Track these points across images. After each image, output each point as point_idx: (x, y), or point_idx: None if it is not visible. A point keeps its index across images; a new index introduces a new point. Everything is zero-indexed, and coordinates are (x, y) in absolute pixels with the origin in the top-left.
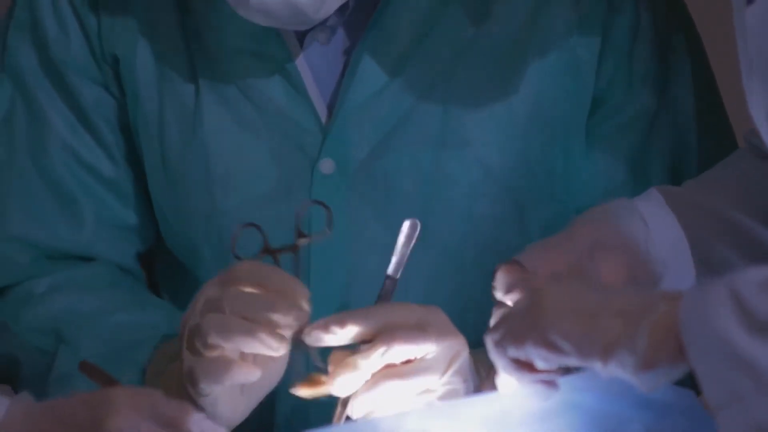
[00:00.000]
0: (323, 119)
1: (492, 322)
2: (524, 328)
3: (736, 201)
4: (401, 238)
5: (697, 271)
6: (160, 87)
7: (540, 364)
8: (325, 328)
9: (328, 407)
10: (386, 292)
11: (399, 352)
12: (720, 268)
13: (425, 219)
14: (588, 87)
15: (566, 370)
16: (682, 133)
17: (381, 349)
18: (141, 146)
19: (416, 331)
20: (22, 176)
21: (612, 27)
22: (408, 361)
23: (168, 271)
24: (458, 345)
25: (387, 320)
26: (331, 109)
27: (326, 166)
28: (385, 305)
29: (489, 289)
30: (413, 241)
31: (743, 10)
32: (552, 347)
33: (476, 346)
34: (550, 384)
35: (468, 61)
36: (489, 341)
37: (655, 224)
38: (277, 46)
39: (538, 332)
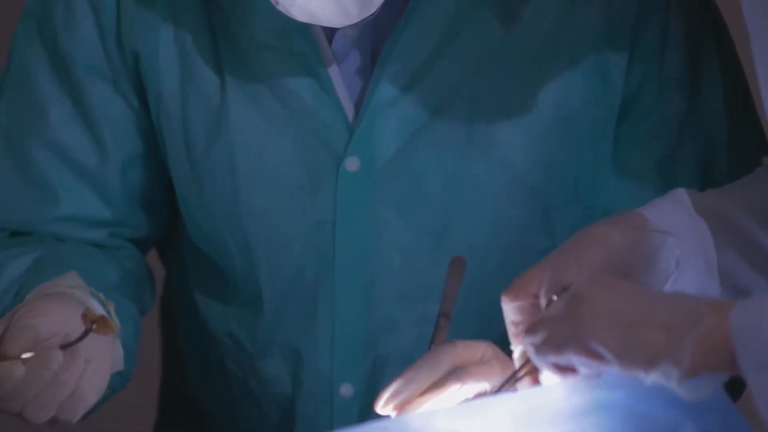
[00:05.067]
0: (350, 117)
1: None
2: (564, 335)
3: (753, 214)
4: (448, 276)
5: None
6: (183, 83)
7: (582, 369)
8: (396, 394)
9: (349, 409)
10: (441, 330)
11: (472, 387)
12: (728, 275)
13: (449, 220)
14: (617, 91)
15: None
16: (712, 138)
17: (456, 386)
18: (165, 143)
19: (484, 365)
20: None
21: (642, 31)
22: (478, 395)
23: (197, 262)
24: None
25: (454, 362)
26: (358, 107)
27: (352, 164)
28: (446, 348)
29: None
30: (461, 278)
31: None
32: (593, 356)
33: (501, 347)
34: (593, 377)
35: (496, 63)
36: (528, 345)
37: (654, 213)
38: (306, 44)
39: (579, 340)
